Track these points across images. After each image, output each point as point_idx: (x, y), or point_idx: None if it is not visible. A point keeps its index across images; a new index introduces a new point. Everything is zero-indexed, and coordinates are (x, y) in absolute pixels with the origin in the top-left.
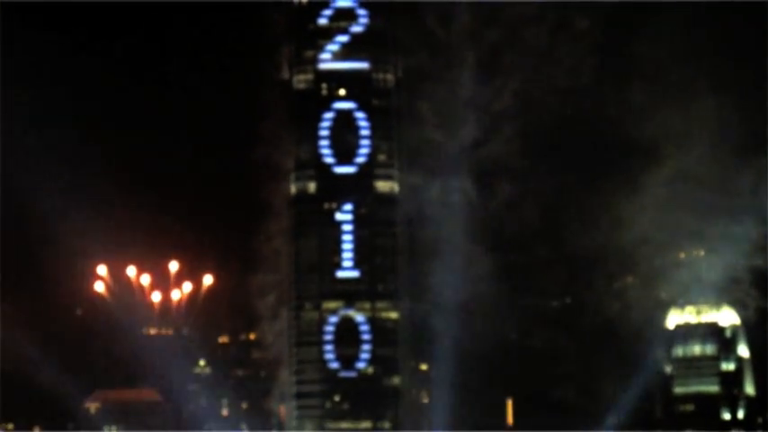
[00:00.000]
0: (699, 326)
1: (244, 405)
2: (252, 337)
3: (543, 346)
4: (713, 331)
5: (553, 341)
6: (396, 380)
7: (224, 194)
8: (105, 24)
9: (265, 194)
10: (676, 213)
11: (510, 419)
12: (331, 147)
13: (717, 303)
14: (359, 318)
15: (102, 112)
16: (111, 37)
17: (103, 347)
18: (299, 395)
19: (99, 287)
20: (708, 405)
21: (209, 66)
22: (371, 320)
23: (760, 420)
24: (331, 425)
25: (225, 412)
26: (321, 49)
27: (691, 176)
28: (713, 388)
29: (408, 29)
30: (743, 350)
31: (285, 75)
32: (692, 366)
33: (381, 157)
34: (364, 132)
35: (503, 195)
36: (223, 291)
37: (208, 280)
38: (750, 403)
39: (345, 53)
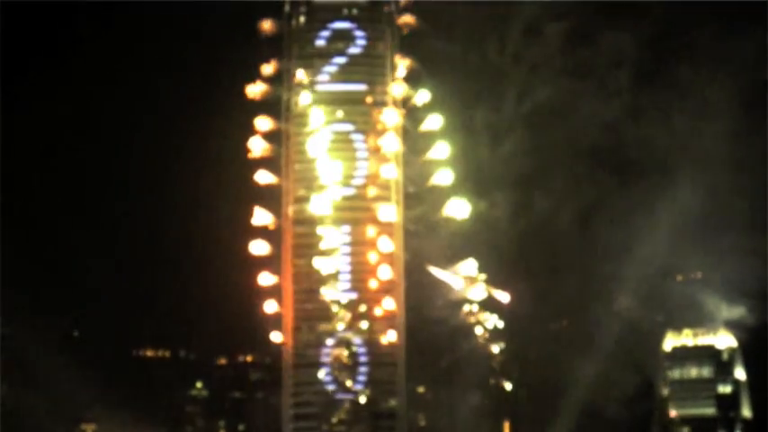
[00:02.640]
0: (695, 348)
1: (241, 427)
2: (249, 358)
3: (543, 367)
4: (710, 354)
5: (552, 363)
6: (393, 402)
7: (219, 217)
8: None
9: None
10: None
11: None
12: (326, 169)
13: (713, 326)
14: (356, 340)
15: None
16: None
17: (100, 368)
18: (296, 417)
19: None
20: (704, 427)
21: (203, 83)
22: (369, 343)
23: None
24: None
25: None
26: (318, 70)
27: (699, 200)
28: (710, 410)
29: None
30: (739, 373)
31: (283, 96)
32: (689, 389)
33: (379, 180)
34: (362, 155)
35: (503, 212)
36: (220, 312)
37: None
38: (747, 426)
39: (343, 75)
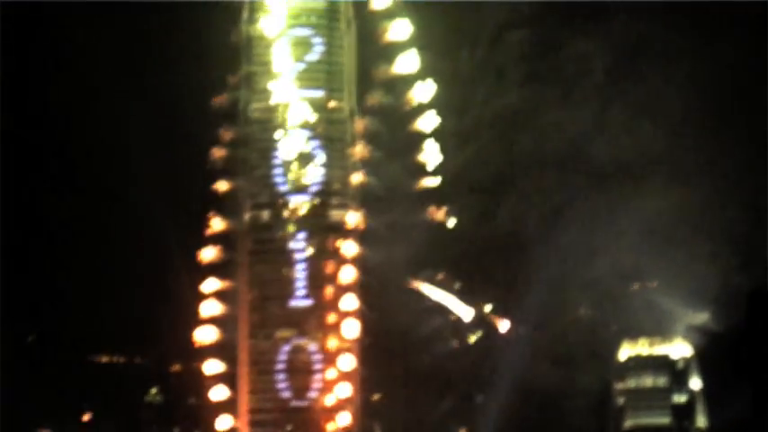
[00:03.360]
0: (651, 358)
1: None
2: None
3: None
4: (665, 363)
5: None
6: (348, 410)
7: (176, 222)
8: None
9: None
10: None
11: None
12: (285, 175)
13: (669, 336)
14: (311, 347)
15: None
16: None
17: (55, 374)
18: (252, 424)
19: None
20: None
21: (161, 89)
22: (324, 350)
23: None
24: None
25: None
26: (276, 77)
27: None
28: (664, 420)
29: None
30: (695, 383)
31: (241, 101)
32: (644, 398)
33: (336, 186)
34: (319, 161)
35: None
36: (175, 318)
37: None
38: None
39: (301, 82)
